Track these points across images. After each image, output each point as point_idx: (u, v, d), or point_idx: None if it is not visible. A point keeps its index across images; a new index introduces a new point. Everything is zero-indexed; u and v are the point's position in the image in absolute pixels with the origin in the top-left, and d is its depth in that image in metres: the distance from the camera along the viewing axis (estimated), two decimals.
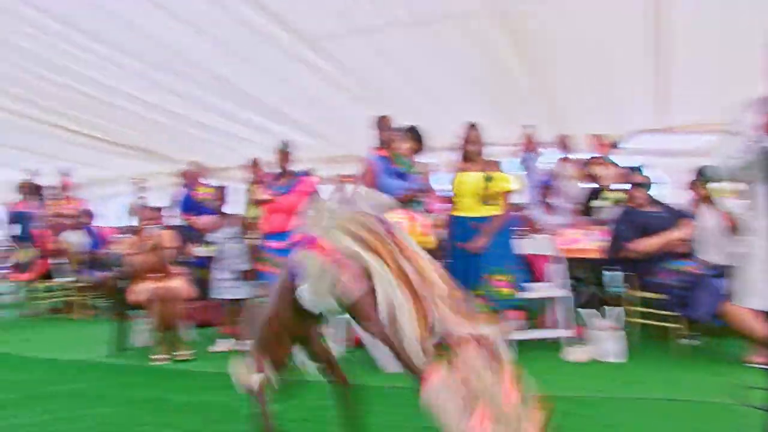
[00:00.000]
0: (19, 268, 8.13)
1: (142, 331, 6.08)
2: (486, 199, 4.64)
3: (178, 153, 9.57)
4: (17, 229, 8.29)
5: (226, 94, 7.49)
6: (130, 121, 8.61)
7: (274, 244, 5.40)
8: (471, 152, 4.74)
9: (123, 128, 8.99)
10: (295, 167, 5.56)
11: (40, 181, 9.04)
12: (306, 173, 5.59)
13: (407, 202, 4.70)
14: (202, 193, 7.46)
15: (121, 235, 7.28)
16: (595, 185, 6.73)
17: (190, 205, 7.35)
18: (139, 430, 3.71)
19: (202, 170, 7.79)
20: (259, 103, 7.75)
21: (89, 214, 8.35)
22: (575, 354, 4.79)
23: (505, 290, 4.57)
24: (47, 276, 8.36)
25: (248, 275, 5.61)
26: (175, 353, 5.45)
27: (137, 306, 5.78)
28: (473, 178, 4.68)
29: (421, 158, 5.39)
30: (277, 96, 7.59)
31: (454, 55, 6.42)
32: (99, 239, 7.99)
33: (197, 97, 7.62)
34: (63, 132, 8.94)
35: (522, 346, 4.91)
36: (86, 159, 9.98)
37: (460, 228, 4.73)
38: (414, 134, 5.24)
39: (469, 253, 4.62)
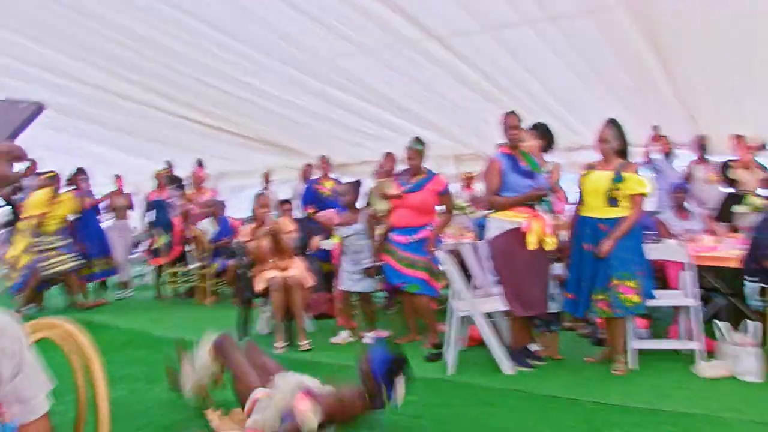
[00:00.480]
0: (154, 252, 8.60)
1: (265, 318, 6.29)
2: (613, 200, 4.42)
3: (310, 148, 9.83)
4: (153, 216, 8.78)
5: (357, 91, 7.62)
6: (264, 116, 8.94)
7: (398, 238, 5.42)
8: (603, 150, 4.52)
9: (257, 123, 9.35)
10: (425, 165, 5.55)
11: (176, 171, 9.53)
12: (434, 172, 5.57)
13: (533, 201, 4.58)
14: (326, 187, 7.63)
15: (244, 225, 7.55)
16: (735, 189, 6.30)
17: (313, 198, 7.53)
18: None
19: (328, 164, 7.96)
20: (388, 100, 7.82)
21: (221, 205, 8.71)
22: (709, 369, 4.46)
23: (632, 297, 4.34)
24: (180, 261, 8.82)
25: (371, 271, 5.66)
26: (295, 342, 5.57)
27: (261, 294, 5.97)
28: (600, 177, 4.47)
29: (549, 157, 5.26)
30: (406, 93, 7.62)
31: (586, 51, 6.20)
32: (229, 229, 8.34)
33: (329, 94, 7.79)
34: (199, 126, 9.41)
35: (647, 356, 4.68)
36: (220, 152, 10.47)
37: (586, 229, 4.53)
38: (542, 132, 5.10)
39: (595, 256, 4.42)
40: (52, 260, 7.46)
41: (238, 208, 10.31)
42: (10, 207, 8.79)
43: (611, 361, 4.54)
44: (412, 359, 4.93)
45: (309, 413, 2.86)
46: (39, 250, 7.39)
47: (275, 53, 6.83)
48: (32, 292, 7.75)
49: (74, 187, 8.30)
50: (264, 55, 6.91)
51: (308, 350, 5.49)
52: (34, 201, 7.54)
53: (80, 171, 8.37)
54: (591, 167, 4.60)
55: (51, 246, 7.48)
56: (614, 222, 4.40)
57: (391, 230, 5.52)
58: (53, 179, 7.83)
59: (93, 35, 6.73)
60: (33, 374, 1.39)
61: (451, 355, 4.66)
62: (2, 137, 0.97)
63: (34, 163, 9.04)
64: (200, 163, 9.35)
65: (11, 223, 8.76)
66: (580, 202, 4.62)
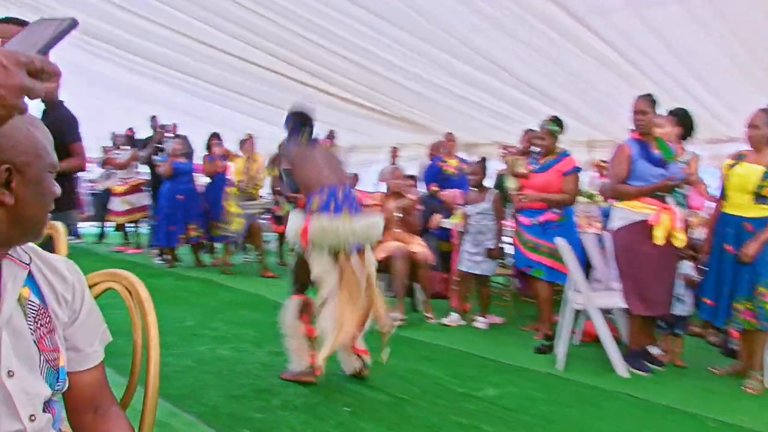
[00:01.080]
0: (278, 219, 8.78)
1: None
2: (762, 197, 3.94)
3: (439, 125, 9.67)
4: (280, 185, 8.95)
5: (490, 68, 7.35)
6: (395, 91, 8.87)
7: (523, 219, 5.22)
8: (754, 139, 4.03)
9: (388, 98, 9.30)
10: (558, 147, 5.26)
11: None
12: (567, 153, 5.26)
13: (663, 191, 4.19)
14: (450, 165, 7.47)
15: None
16: None
17: (435, 176, 7.39)
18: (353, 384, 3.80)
19: (452, 142, 7.77)
20: (521, 79, 7.51)
21: (351, 176, 8.75)
22: None
23: None
24: None
25: (494, 253, 5.47)
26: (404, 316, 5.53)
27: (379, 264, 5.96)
28: (749, 170, 3.99)
29: (690, 147, 4.82)
30: (540, 73, 7.27)
31: (740, 30, 5.60)
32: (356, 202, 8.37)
33: (461, 71, 7.58)
34: (331, 98, 9.49)
35: None
36: (350, 125, 10.54)
37: (729, 228, 4.08)
38: (681, 118, 4.68)
39: (738, 260, 3.98)
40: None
41: (365, 183, 10.40)
42: (149, 167, 9.34)
43: (743, 377, 4.09)
44: (522, 349, 4.78)
45: None
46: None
47: (410, 28, 6.70)
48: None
49: (208, 151, 8.63)
50: (398, 30, 6.80)
51: (430, 322, 5.61)
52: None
53: (214, 135, 8.66)
54: (739, 158, 4.13)
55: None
56: (762, 222, 3.94)
57: (518, 211, 5.33)
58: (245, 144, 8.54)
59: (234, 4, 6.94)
60: (91, 323, 1.37)
61: (561, 349, 4.39)
62: (32, 51, 0.91)
63: (174, 125, 9.57)
64: (331, 135, 9.44)
65: (151, 185, 9.32)
66: (723, 197, 4.17)
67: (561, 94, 7.69)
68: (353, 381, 3.94)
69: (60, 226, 2.48)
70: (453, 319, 5.61)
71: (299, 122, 4.04)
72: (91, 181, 11.95)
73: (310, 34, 7.37)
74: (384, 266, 5.74)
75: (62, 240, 2.45)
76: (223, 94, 10.42)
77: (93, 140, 10.91)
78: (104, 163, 10.25)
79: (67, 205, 4.06)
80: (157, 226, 8.57)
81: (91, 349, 1.36)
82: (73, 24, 0.97)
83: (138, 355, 1.55)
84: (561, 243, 4.40)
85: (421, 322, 5.69)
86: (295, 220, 3.73)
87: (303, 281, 3.94)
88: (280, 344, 4.64)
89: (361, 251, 3.70)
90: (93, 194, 11.53)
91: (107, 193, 10.10)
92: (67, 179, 4.09)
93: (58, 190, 1.23)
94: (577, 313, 4.52)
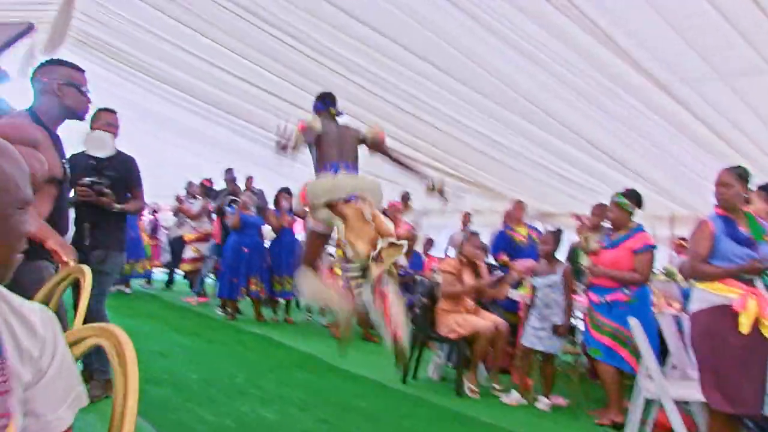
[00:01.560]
0: None
1: (438, 364, 5.97)
2: None
3: (515, 192, 9.38)
4: None
5: (569, 137, 7.11)
6: (471, 156, 8.71)
7: (592, 296, 4.92)
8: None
9: (464, 162, 9.14)
10: (632, 222, 4.95)
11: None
12: (641, 229, 4.93)
13: (751, 274, 3.78)
14: (519, 234, 7.19)
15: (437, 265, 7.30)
16: None
17: (504, 244, 7.11)
18: None
19: (521, 210, 7.48)
20: (602, 148, 7.21)
21: (417, 238, 8.56)
22: None
23: None
24: None
25: (561, 330, 5.13)
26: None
27: (442, 337, 5.74)
28: None
29: None
30: (622, 143, 6.96)
31: None
32: (420, 264, 8.15)
33: (540, 137, 7.36)
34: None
35: None
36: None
37: None
38: None
39: None
40: None
41: (435, 247, 10.20)
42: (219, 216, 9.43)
43: None
44: None
45: None
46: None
47: (487, 91, 6.58)
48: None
49: (275, 205, 8.65)
50: (475, 92, 6.68)
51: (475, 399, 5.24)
52: None
53: (284, 190, 8.68)
54: None
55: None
56: None
57: (589, 288, 5.05)
58: None
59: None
60: (60, 384, 1.19)
61: None
62: None
63: (250, 177, 9.69)
64: (405, 197, 9.31)
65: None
66: None
67: (643, 166, 7.36)
68: None
69: (87, 270, 2.37)
70: (513, 398, 5.23)
71: (324, 101, 4.40)
72: (165, 227, 12.22)
73: (386, 94, 7.34)
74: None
75: (87, 285, 2.33)
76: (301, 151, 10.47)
77: (169, 188, 11.26)
78: (177, 211, 10.44)
79: (114, 246, 4.04)
80: (221, 277, 8.57)
81: (53, 416, 1.17)
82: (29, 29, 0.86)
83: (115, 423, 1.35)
84: (633, 323, 4.05)
85: (480, 398, 5.35)
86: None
87: (311, 259, 4.24)
88: (328, 411, 4.46)
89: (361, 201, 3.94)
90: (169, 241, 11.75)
91: (180, 241, 10.26)
92: (118, 220, 4.11)
93: (28, 228, 1.08)
94: (649, 402, 4.11)
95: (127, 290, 9.78)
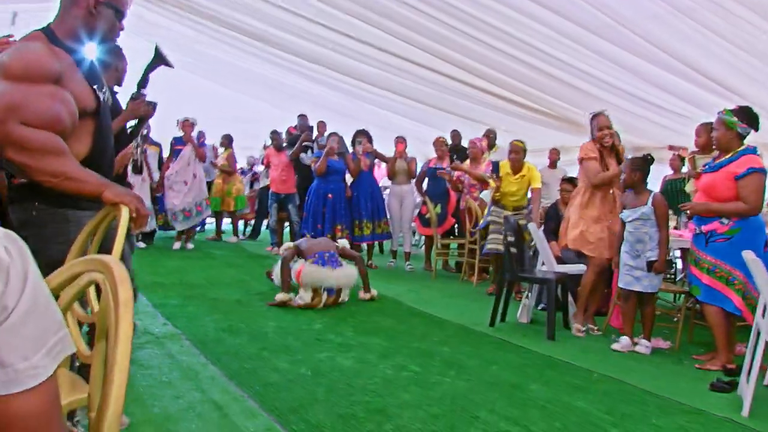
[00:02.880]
0: (426, 222, 8.33)
1: (528, 306, 5.63)
2: None
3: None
4: (429, 185, 8.52)
5: (665, 61, 6.44)
6: (558, 89, 8.14)
7: (691, 226, 4.40)
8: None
9: (550, 97, 8.57)
10: (741, 143, 4.30)
11: (461, 142, 9.21)
12: (751, 151, 4.24)
13: None
14: None
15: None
16: None
17: None
18: (483, 412, 3.23)
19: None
20: (702, 71, 6.50)
21: None
22: None
23: None
24: (451, 233, 8.46)
25: (657, 266, 4.64)
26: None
27: (531, 278, 5.51)
28: None
29: None
30: (727, 65, 6.23)
31: None
32: None
33: (631, 64, 6.73)
34: (490, 98, 8.94)
35: None
36: (511, 126, 9.89)
37: None
38: None
39: None
40: None
41: None
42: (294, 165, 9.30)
43: None
44: (695, 384, 3.97)
45: None
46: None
47: (575, 16, 6.01)
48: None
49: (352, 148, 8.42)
50: (563, 20, 6.13)
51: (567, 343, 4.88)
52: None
53: (360, 133, 8.41)
54: None
55: None
56: None
57: (690, 218, 4.52)
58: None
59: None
60: (31, 325, 0.91)
61: (748, 390, 3.50)
62: None
63: (321, 122, 9.52)
64: (488, 135, 8.86)
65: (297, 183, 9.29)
66: None
67: (753, 89, 6.59)
68: (483, 408, 3.36)
69: (124, 208, 2.12)
70: (624, 344, 4.77)
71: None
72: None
73: (469, 29, 6.90)
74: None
75: (123, 222, 2.07)
76: (379, 93, 10.20)
77: (258, 140, 11.26)
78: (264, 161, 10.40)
79: None
80: (304, 222, 8.42)
81: (24, 364, 0.89)
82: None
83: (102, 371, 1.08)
84: (749, 257, 3.56)
85: (572, 341, 4.99)
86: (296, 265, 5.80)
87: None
88: (409, 358, 4.22)
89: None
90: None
91: (266, 191, 10.22)
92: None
93: None
94: None
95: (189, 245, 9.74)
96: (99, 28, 2.39)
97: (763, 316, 3.49)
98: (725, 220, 4.18)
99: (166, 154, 9.69)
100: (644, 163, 4.83)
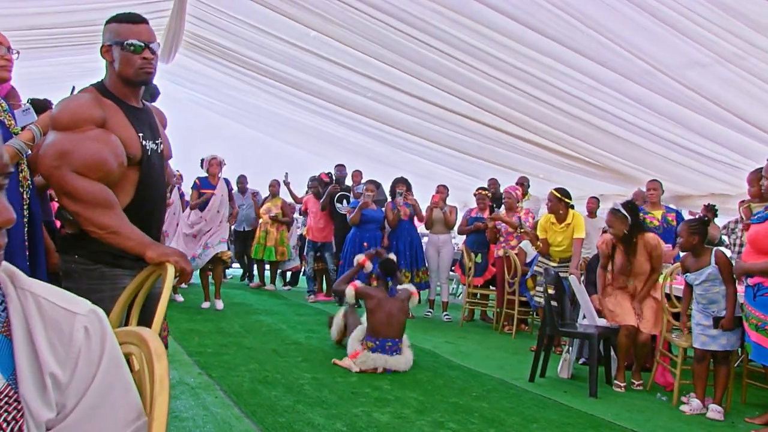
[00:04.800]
0: (465, 271, 8.27)
1: (568, 362, 5.49)
2: None
3: (646, 175, 8.58)
4: (470, 235, 8.46)
5: (709, 109, 6.34)
6: (597, 137, 8.05)
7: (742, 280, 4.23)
8: None
9: (589, 144, 8.49)
10: None
11: (498, 189, 9.17)
12: None
13: None
14: (654, 218, 6.56)
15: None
16: None
17: None
18: None
19: (656, 191, 6.83)
20: (746, 118, 6.37)
21: None
22: None
23: None
24: (492, 284, 8.36)
25: (724, 323, 4.45)
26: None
27: (573, 332, 5.44)
28: None
29: None
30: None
31: None
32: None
33: (671, 111, 6.64)
34: (528, 145, 8.92)
35: None
36: (551, 175, 9.84)
37: None
38: None
39: None
40: None
41: None
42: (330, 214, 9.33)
43: None
44: None
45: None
46: None
47: (614, 64, 5.98)
48: None
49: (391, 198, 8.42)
50: (601, 68, 6.10)
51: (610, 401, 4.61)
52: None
53: (400, 180, 8.41)
54: None
55: None
56: None
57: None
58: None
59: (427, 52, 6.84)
60: (106, 412, 0.85)
61: None
62: None
63: (357, 171, 9.57)
64: (521, 183, 8.82)
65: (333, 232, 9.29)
66: None
67: None
68: None
69: (170, 267, 2.12)
70: (694, 407, 4.54)
71: (384, 273, 5.94)
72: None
73: (508, 78, 6.97)
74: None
75: (168, 283, 2.08)
76: (417, 141, 10.26)
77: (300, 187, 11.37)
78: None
79: None
80: (340, 271, 8.40)
81: None
82: None
83: None
84: None
85: (615, 398, 4.82)
86: (352, 345, 5.42)
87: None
88: (447, 413, 4.15)
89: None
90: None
91: (303, 239, 10.25)
92: None
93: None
94: None
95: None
96: (122, 71, 2.35)
97: None
98: None
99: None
100: (702, 225, 4.72)
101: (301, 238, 10.41)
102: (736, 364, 4.88)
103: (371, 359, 5.17)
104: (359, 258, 6.13)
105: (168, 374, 1.04)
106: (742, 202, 5.37)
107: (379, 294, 5.55)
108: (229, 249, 8.69)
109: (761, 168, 4.61)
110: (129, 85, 2.39)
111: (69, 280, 2.30)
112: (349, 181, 9.82)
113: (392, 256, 6.34)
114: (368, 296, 5.51)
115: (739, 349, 4.72)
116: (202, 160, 8.48)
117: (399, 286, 5.87)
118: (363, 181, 9.22)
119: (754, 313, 4.07)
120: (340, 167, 9.85)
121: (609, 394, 4.93)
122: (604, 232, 6.38)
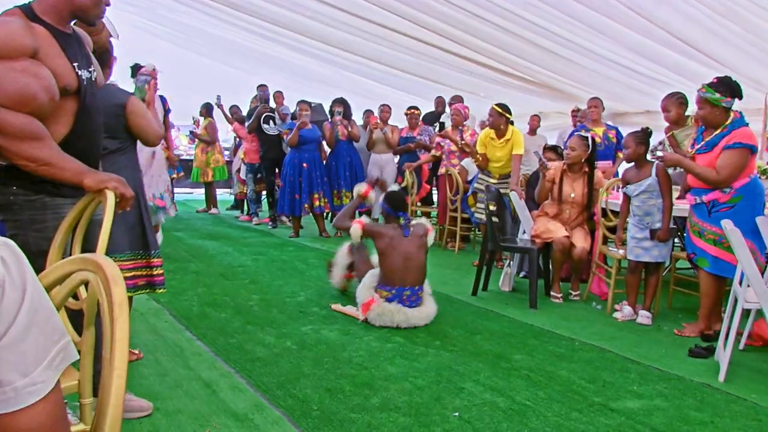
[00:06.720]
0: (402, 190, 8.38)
1: (509, 275, 5.68)
2: None
3: (584, 93, 8.72)
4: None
5: (645, 27, 6.40)
6: (537, 56, 8.11)
7: (689, 197, 4.38)
8: None
9: (530, 63, 8.54)
10: (730, 115, 4.22)
11: (444, 109, 9.19)
12: (742, 124, 4.18)
13: None
14: (596, 135, 6.70)
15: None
16: None
17: None
18: (468, 383, 3.28)
19: (597, 108, 6.93)
20: (683, 37, 6.47)
21: None
22: None
23: None
24: (429, 202, 8.48)
25: (661, 235, 4.67)
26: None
27: (514, 247, 5.60)
28: None
29: None
30: (706, 30, 6.21)
31: None
32: None
33: (612, 31, 6.71)
34: (470, 64, 8.91)
35: None
36: (491, 93, 9.89)
37: None
38: None
39: None
40: None
41: None
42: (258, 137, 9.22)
43: None
44: (674, 350, 4.04)
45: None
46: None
47: None
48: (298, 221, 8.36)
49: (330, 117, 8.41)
50: None
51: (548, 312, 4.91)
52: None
53: (338, 100, 8.37)
54: None
55: None
56: None
57: (688, 190, 4.47)
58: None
59: None
60: (31, 340, 0.89)
61: (725, 356, 3.58)
62: None
63: (279, 92, 9.43)
64: (455, 98, 8.82)
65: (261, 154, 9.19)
66: None
67: (733, 56, 6.59)
68: (468, 379, 3.41)
69: (109, 194, 2.10)
70: (626, 314, 4.80)
71: (394, 208, 4.72)
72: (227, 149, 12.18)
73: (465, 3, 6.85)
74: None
75: (109, 210, 2.06)
76: (359, 61, 10.13)
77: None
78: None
79: None
80: (281, 193, 8.40)
81: (23, 381, 0.88)
82: None
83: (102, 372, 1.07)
84: (728, 226, 3.61)
85: (553, 309, 5.05)
86: (363, 293, 4.56)
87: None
88: (392, 328, 4.25)
89: None
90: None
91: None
92: None
93: None
94: (747, 313, 3.72)
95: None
96: (80, 2, 2.24)
97: (740, 284, 3.56)
98: (727, 190, 4.16)
99: None
100: (646, 136, 4.84)
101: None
102: (664, 273, 5.13)
103: (388, 311, 4.36)
104: (360, 188, 5.16)
105: (126, 298, 1.06)
106: (668, 128, 5.50)
107: (392, 232, 4.61)
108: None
109: (674, 92, 4.79)
110: (78, 18, 2.28)
111: (8, 212, 2.22)
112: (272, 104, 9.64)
113: (396, 187, 5.87)
114: (379, 235, 4.64)
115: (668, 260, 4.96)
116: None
117: (413, 221, 4.84)
118: (284, 102, 9.16)
119: (710, 228, 4.22)
120: (263, 87, 9.58)
121: (548, 305, 5.16)
122: (545, 149, 6.47)
